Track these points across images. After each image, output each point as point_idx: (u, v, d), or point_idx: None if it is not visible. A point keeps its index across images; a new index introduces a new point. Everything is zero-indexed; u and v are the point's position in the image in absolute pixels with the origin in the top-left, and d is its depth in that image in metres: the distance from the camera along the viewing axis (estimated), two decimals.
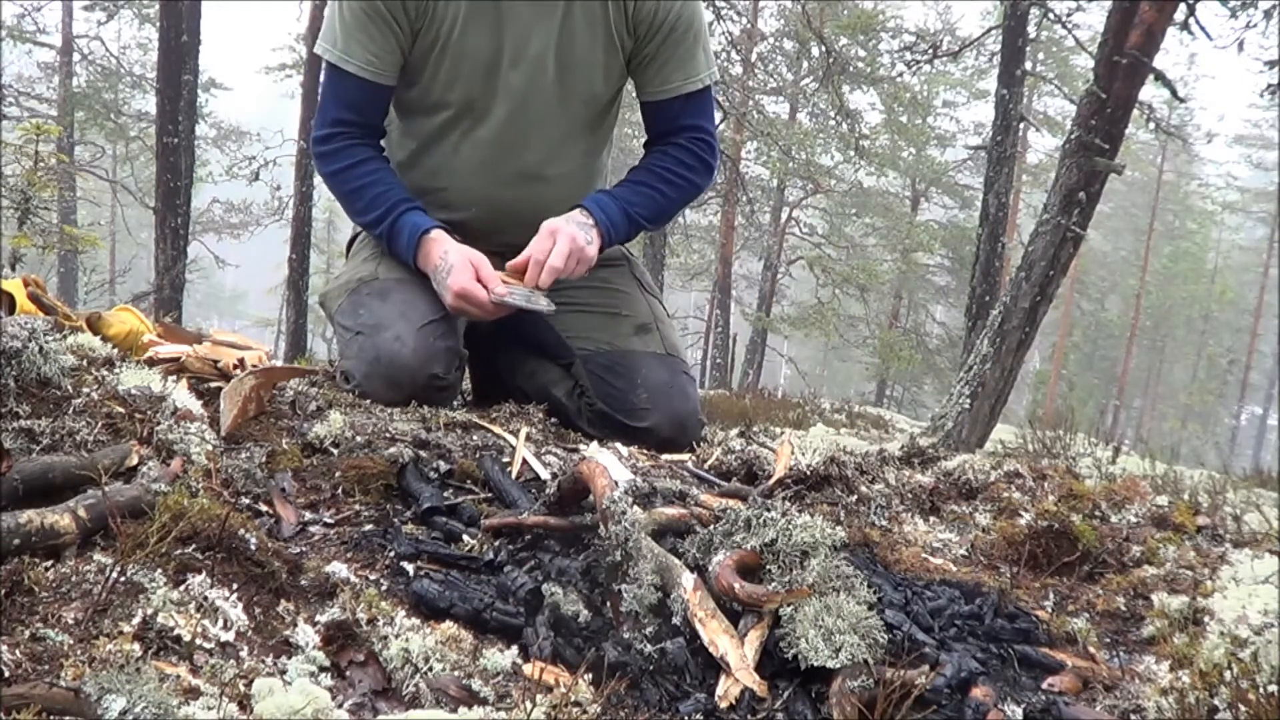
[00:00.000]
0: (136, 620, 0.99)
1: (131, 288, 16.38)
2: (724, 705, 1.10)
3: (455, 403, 2.26)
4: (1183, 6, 6.53)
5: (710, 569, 1.26)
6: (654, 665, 1.15)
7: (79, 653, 0.92)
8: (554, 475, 1.66)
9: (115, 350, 1.75)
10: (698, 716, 1.08)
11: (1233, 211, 40.28)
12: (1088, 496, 1.79)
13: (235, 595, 1.10)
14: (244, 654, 1.03)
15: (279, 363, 2.53)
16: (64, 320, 1.96)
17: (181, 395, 1.62)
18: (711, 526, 1.36)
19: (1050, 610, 1.46)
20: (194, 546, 1.14)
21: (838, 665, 1.11)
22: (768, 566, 1.27)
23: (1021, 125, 11.73)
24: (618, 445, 2.00)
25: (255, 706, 0.93)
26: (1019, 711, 1.11)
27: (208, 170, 20.46)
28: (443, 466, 1.68)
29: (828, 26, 15.47)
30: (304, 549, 1.36)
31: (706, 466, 1.98)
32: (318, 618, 1.14)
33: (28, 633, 0.94)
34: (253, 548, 1.18)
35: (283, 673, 1.02)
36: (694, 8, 2.27)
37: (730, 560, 1.26)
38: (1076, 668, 1.27)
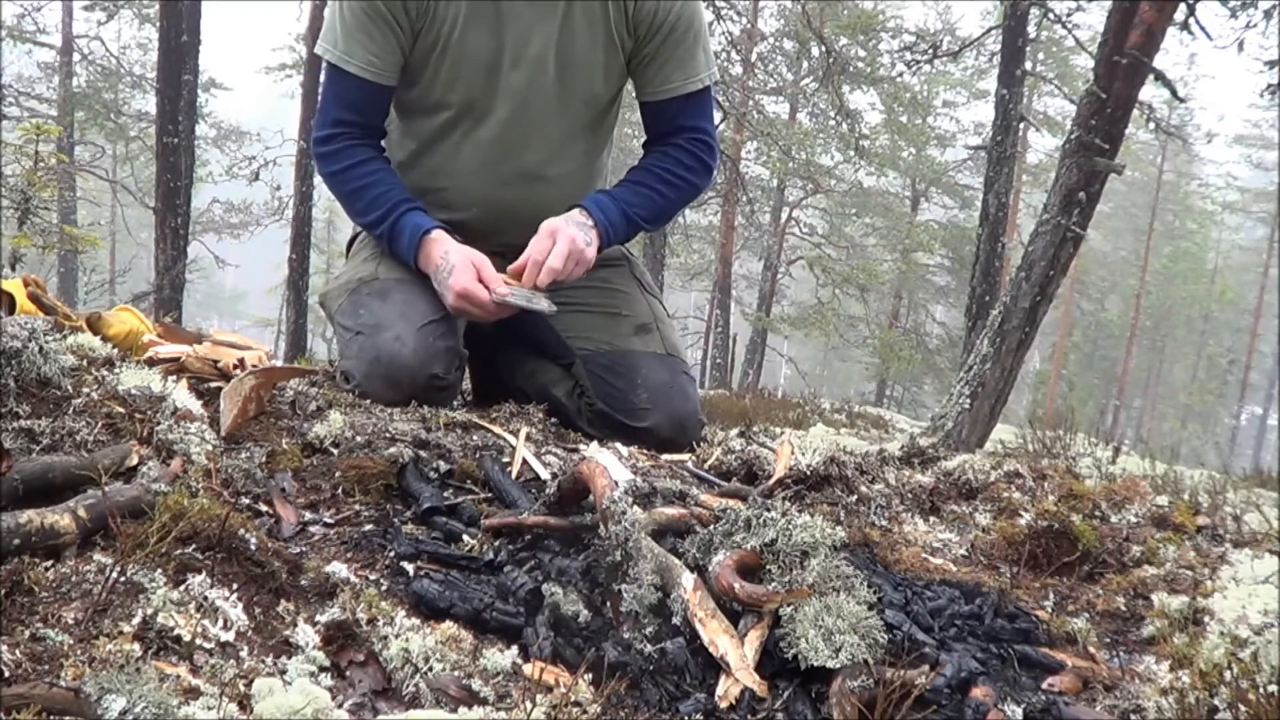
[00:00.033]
0: (136, 620, 0.99)
1: (131, 288, 16.38)
2: (724, 705, 1.10)
3: (455, 403, 2.26)
4: (1183, 6, 6.53)
5: (710, 569, 1.26)
6: (654, 665, 1.15)
7: (79, 653, 0.92)
8: (554, 475, 1.66)
9: (115, 350, 1.74)
10: (698, 716, 1.08)
11: (1233, 211, 40.28)
12: (1088, 496, 1.79)
13: (235, 595, 1.10)
14: (244, 654, 1.03)
15: (279, 363, 2.53)
16: (64, 320, 1.96)
17: (181, 395, 1.62)
18: (711, 526, 1.36)
19: (1050, 610, 1.46)
20: (194, 546, 1.14)
21: (838, 665, 1.11)
22: (768, 566, 1.27)
23: (1021, 125, 11.74)
24: (618, 445, 2.00)
25: (255, 706, 0.93)
26: (1019, 711, 1.11)
27: (208, 170, 20.46)
28: (443, 466, 1.68)
29: (828, 26, 15.47)
30: (304, 549, 1.36)
31: (706, 466, 1.98)
32: (318, 618, 1.14)
33: (28, 633, 0.94)
34: (253, 548, 1.18)
35: (283, 673, 1.02)
36: (694, 8, 2.27)
37: (730, 560, 1.26)
38: (1076, 668, 1.27)
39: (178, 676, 0.94)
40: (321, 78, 2.37)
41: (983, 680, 1.17)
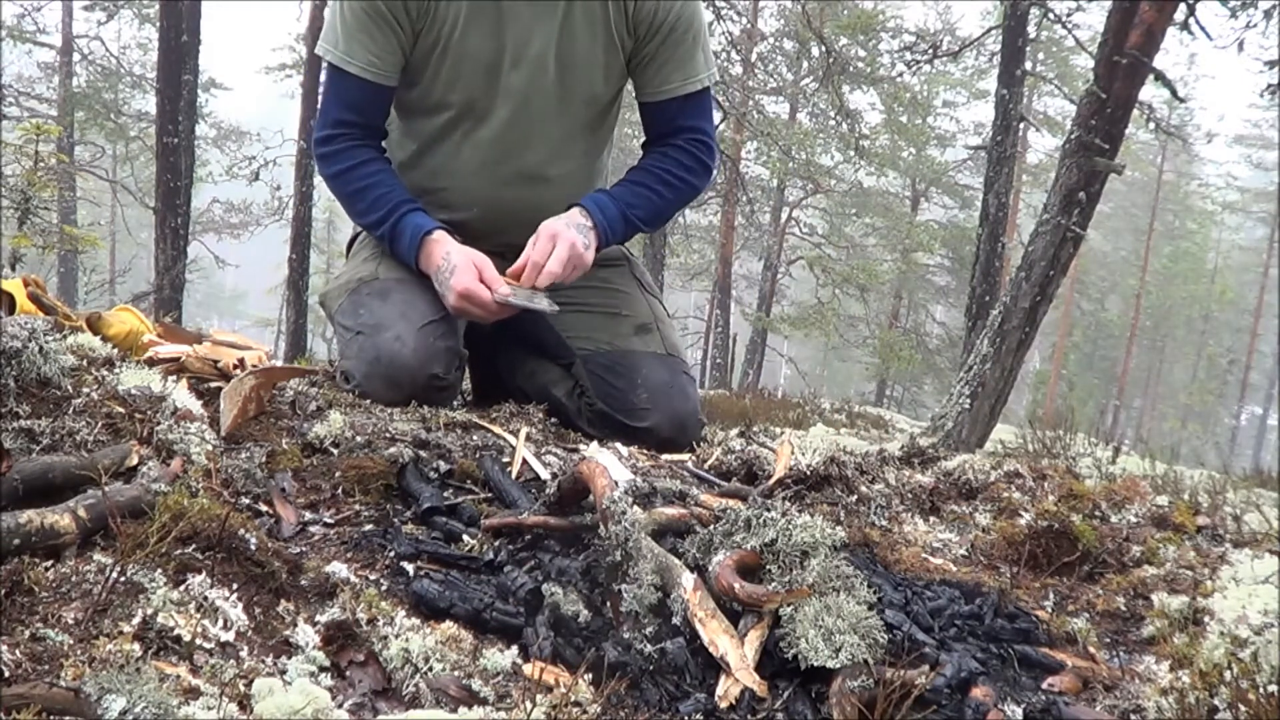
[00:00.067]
0: (136, 620, 0.99)
1: (131, 288, 16.39)
2: (724, 705, 1.10)
3: (455, 403, 2.26)
4: (1183, 6, 6.53)
5: (710, 569, 1.26)
6: (654, 665, 1.15)
7: (79, 653, 0.92)
8: (554, 475, 1.66)
9: (115, 350, 1.74)
10: (698, 716, 1.08)
11: (1233, 211, 40.28)
12: (1088, 496, 1.79)
13: (235, 595, 1.10)
14: (244, 654, 1.03)
15: (279, 363, 2.53)
16: (64, 320, 1.96)
17: (181, 395, 1.62)
18: (711, 526, 1.36)
19: (1050, 610, 1.46)
20: (194, 546, 1.14)
21: (838, 665, 1.11)
22: (768, 566, 1.27)
23: (1021, 125, 11.74)
24: (618, 445, 2.00)
25: (255, 706, 0.93)
26: (1019, 711, 1.11)
27: (208, 170, 20.46)
28: (443, 466, 1.68)
29: (828, 26, 15.48)
30: (304, 549, 1.36)
31: (706, 466, 1.98)
32: (318, 618, 1.14)
33: (28, 633, 0.94)
34: (253, 548, 1.18)
35: (283, 673, 1.02)
36: (694, 8, 2.27)
37: (730, 560, 1.26)
38: (1076, 668, 1.27)
39: (178, 676, 0.94)
40: (322, 78, 2.37)
41: (983, 680, 1.17)
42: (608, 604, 1.29)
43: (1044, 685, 1.21)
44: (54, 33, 19.78)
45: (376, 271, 2.27)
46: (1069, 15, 11.13)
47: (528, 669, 1.14)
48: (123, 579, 1.04)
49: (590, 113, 2.32)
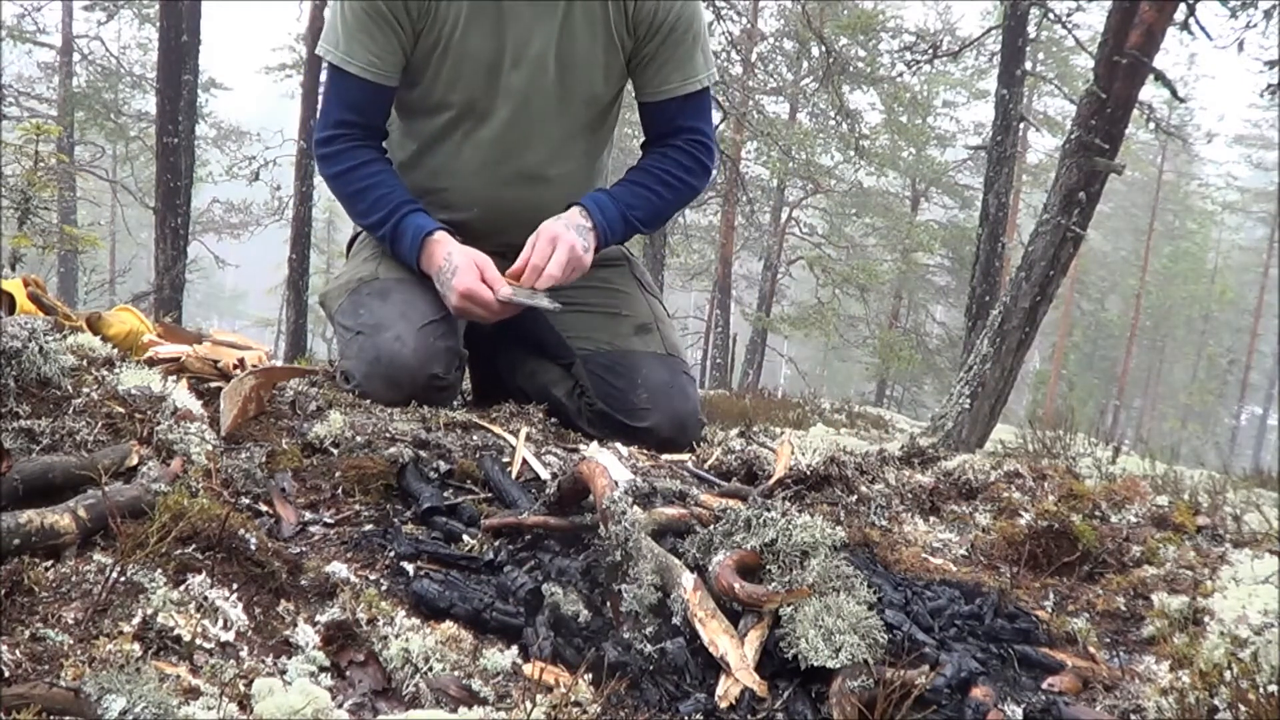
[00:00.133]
0: (136, 620, 0.99)
1: (131, 288, 16.39)
2: (724, 705, 1.10)
3: (455, 403, 2.26)
4: (1183, 6, 6.53)
5: (710, 569, 1.26)
6: (654, 665, 1.15)
7: (79, 653, 0.92)
8: (554, 475, 1.66)
9: (115, 350, 1.74)
10: (698, 716, 1.08)
11: (1233, 211, 40.29)
12: (1088, 496, 1.79)
13: (235, 595, 1.10)
14: (244, 654, 1.03)
15: (279, 363, 2.53)
16: (64, 320, 1.96)
17: (181, 395, 1.62)
18: (711, 526, 1.36)
19: (1050, 610, 1.46)
20: (194, 546, 1.14)
21: (838, 665, 1.11)
22: (768, 566, 1.27)
23: (1021, 125, 11.74)
24: (618, 445, 2.00)
25: (255, 706, 0.93)
26: (1019, 711, 1.11)
27: (208, 170, 20.47)
28: (443, 466, 1.68)
29: (828, 26, 15.48)
30: (304, 549, 1.36)
31: (706, 466, 1.98)
32: (318, 618, 1.14)
33: (28, 633, 0.94)
34: (253, 548, 1.18)
35: (283, 673, 1.02)
36: (694, 8, 2.27)
37: (730, 560, 1.26)
38: (1076, 668, 1.27)
39: (178, 676, 0.94)
40: (322, 78, 2.37)
41: (983, 680, 1.17)
42: (608, 604, 1.29)
43: (1044, 685, 1.21)
44: (54, 33, 19.81)
45: (377, 271, 2.27)
46: (1069, 15, 11.14)
47: (528, 669, 1.14)
48: (123, 579, 1.04)
49: (590, 113, 2.32)
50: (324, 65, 2.25)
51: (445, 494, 1.60)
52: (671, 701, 1.11)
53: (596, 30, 2.21)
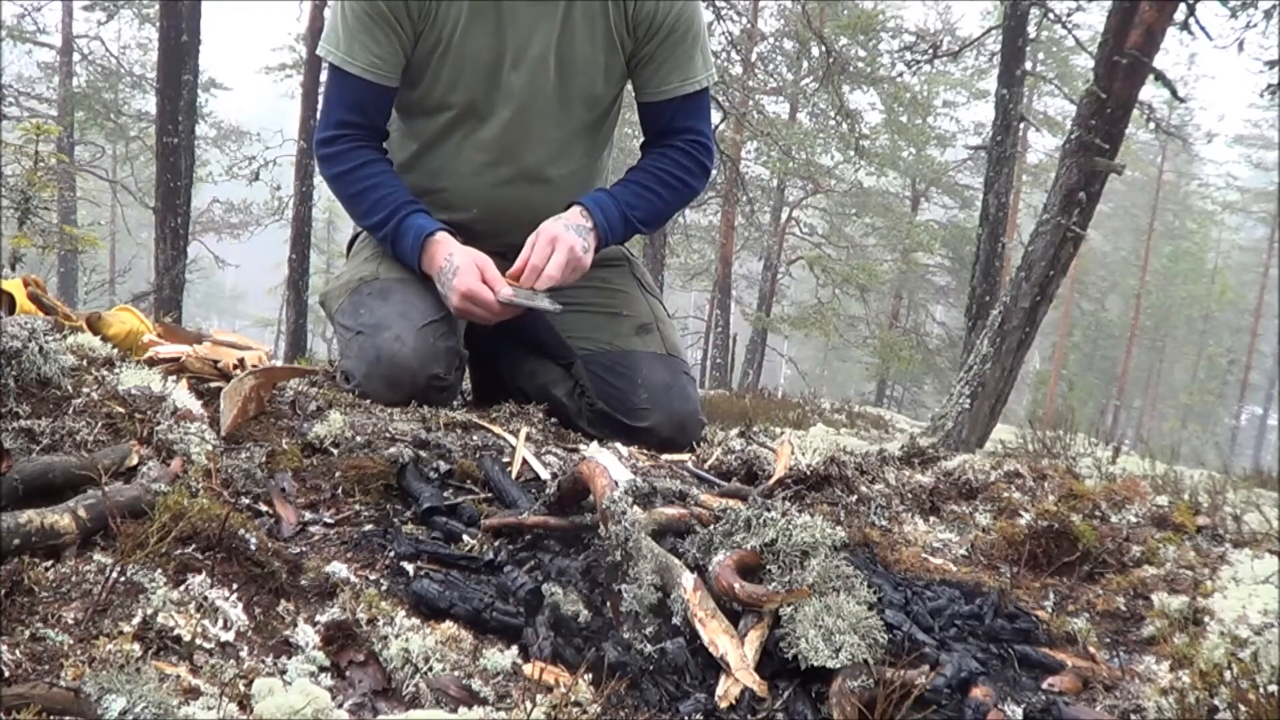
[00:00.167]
0: (136, 620, 0.99)
1: (131, 288, 16.40)
2: (724, 705, 1.10)
3: (455, 403, 2.26)
4: (1183, 6, 6.53)
5: (710, 569, 1.26)
6: (654, 665, 1.15)
7: (79, 653, 0.92)
8: (554, 475, 1.66)
9: (115, 350, 1.74)
10: (698, 716, 1.08)
11: (1233, 211, 40.29)
12: (1088, 496, 1.79)
13: (235, 595, 1.10)
14: (244, 654, 1.03)
15: (279, 363, 2.53)
16: (64, 320, 1.96)
17: (181, 395, 1.62)
18: (711, 526, 1.36)
19: (1050, 610, 1.46)
20: (194, 546, 1.14)
21: (838, 665, 1.11)
22: (768, 566, 1.27)
23: (1021, 125, 11.73)
24: (618, 445, 2.00)
25: (255, 706, 0.93)
26: (1019, 711, 1.11)
27: (208, 170, 20.47)
28: (443, 466, 1.68)
29: (828, 26, 15.49)
30: (304, 549, 1.36)
31: (706, 466, 1.98)
32: (318, 618, 1.14)
33: (28, 633, 0.94)
34: (253, 548, 1.18)
35: (283, 673, 1.02)
36: (694, 9, 2.27)
37: (730, 560, 1.26)
38: (1076, 668, 1.27)
39: (178, 676, 0.94)
40: (322, 78, 2.37)
41: (983, 680, 1.17)
42: (608, 604, 1.29)
43: (1044, 685, 1.21)
44: (54, 33, 19.81)
45: (377, 271, 2.27)
46: (1069, 15, 11.14)
47: (528, 669, 1.14)
48: (123, 579, 1.04)
49: (590, 113, 2.32)
50: (325, 66, 2.26)
51: (445, 494, 1.60)
52: (671, 701, 1.11)
53: (596, 31, 2.21)
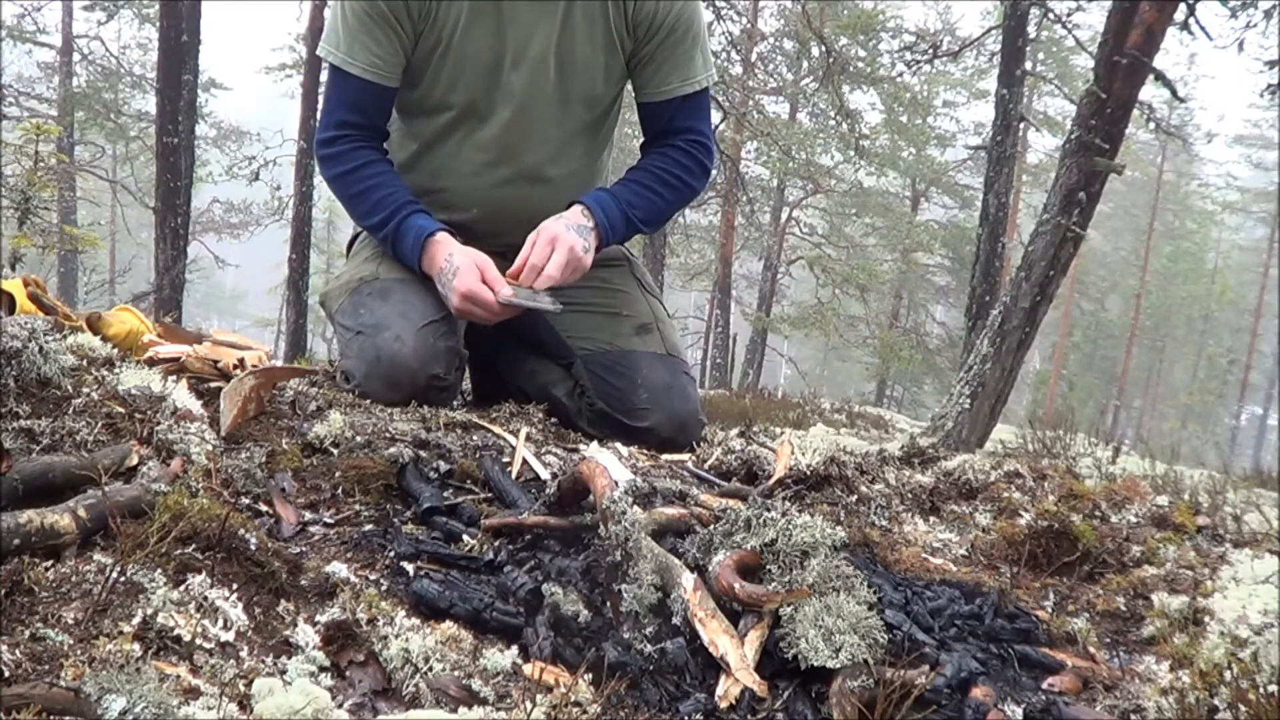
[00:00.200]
0: (136, 620, 0.99)
1: (131, 288, 16.40)
2: (724, 705, 1.10)
3: (455, 403, 2.26)
4: (1183, 6, 6.53)
5: (710, 569, 1.26)
6: (654, 665, 1.15)
7: (79, 653, 0.92)
8: (554, 475, 1.66)
9: (115, 350, 1.74)
10: (698, 716, 1.08)
11: (1233, 211, 40.29)
12: (1088, 496, 1.79)
13: (235, 595, 1.10)
14: (244, 654, 1.03)
15: (279, 363, 2.53)
16: (64, 320, 1.96)
17: (181, 395, 1.62)
18: (711, 526, 1.36)
19: (1050, 610, 1.46)
20: (194, 546, 1.14)
21: (838, 665, 1.11)
22: (768, 566, 1.27)
23: (1021, 125, 11.73)
24: (618, 445, 2.00)
25: (255, 706, 0.93)
26: (1019, 711, 1.11)
27: (208, 170, 20.47)
28: (443, 466, 1.68)
29: (828, 26, 15.49)
30: (304, 549, 1.36)
31: (706, 466, 1.98)
32: (318, 618, 1.14)
33: (28, 633, 0.94)
34: (253, 548, 1.18)
35: (283, 673, 1.02)
36: (693, 9, 2.27)
37: (730, 560, 1.26)
38: (1076, 668, 1.27)
39: (178, 676, 0.94)
40: (322, 78, 2.37)
41: (983, 680, 1.17)
42: (608, 604, 1.29)
43: (1044, 685, 1.21)
44: (54, 33, 19.81)
45: (377, 271, 2.27)
46: (1069, 15, 11.14)
47: (528, 669, 1.14)
48: (123, 579, 1.04)
49: (590, 113, 2.32)
50: (325, 66, 2.25)
51: (445, 494, 1.60)
52: (671, 701, 1.11)
53: (596, 31, 2.21)
